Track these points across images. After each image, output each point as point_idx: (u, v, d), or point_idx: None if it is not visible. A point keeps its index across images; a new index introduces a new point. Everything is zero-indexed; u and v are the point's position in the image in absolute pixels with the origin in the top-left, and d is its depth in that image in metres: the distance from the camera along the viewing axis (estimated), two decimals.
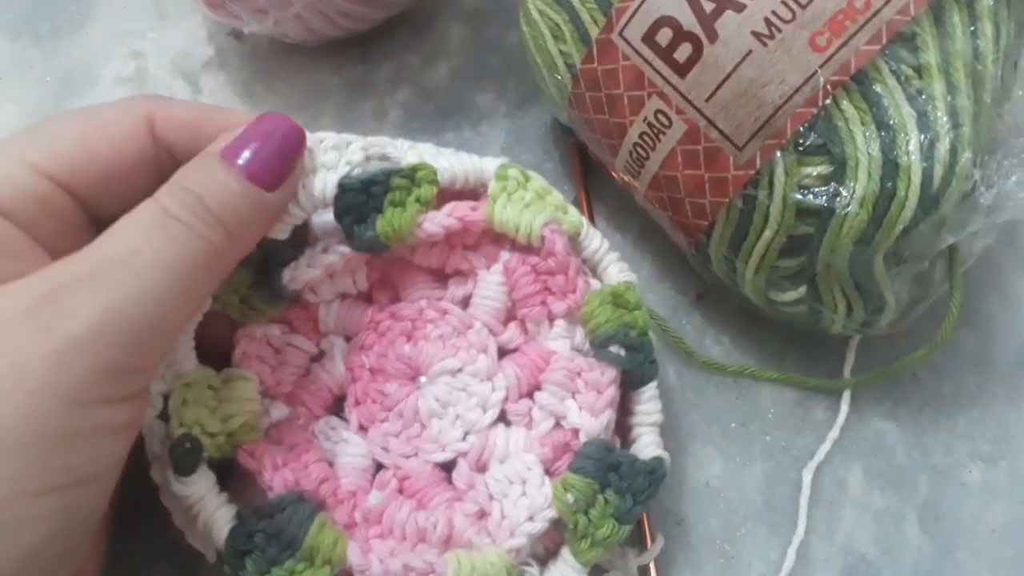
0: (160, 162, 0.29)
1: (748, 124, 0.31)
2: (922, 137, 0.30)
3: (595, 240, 0.34)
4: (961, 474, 0.37)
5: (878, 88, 0.30)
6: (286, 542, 0.29)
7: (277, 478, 0.31)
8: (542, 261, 0.33)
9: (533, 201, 0.33)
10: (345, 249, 0.33)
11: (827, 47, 0.30)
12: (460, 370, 0.35)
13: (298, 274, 0.33)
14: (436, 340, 0.35)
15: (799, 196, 0.31)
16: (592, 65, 0.34)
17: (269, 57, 0.46)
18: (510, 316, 0.35)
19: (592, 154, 0.40)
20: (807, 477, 0.37)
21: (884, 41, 0.29)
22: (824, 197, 0.31)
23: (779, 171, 0.31)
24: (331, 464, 0.33)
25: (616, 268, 0.34)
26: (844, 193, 0.30)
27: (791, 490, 0.37)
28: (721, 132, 0.31)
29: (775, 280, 0.34)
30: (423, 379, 0.35)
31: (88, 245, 0.26)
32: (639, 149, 0.34)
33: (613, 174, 0.38)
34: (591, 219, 0.41)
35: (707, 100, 0.31)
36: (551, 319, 0.34)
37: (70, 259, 0.25)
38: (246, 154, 0.28)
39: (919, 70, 0.30)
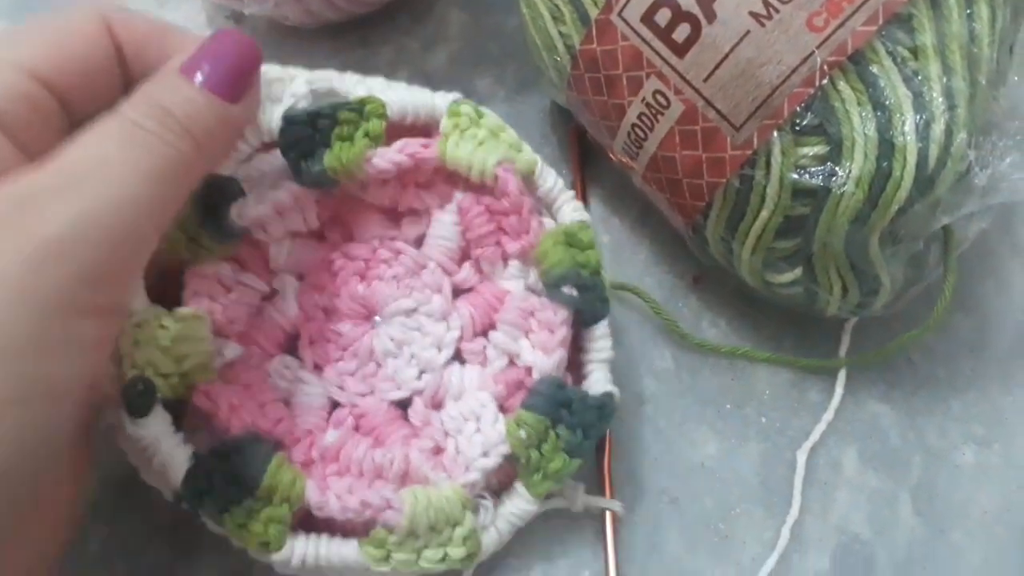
0: (122, 63, 0.30)
1: (746, 104, 0.31)
2: (918, 118, 0.30)
3: (549, 179, 0.34)
4: (955, 456, 0.38)
5: (875, 69, 0.30)
6: (244, 482, 0.29)
7: (234, 419, 0.31)
8: (496, 201, 0.34)
9: (486, 139, 0.33)
10: (294, 185, 0.33)
11: (824, 27, 0.30)
12: (414, 310, 0.35)
13: (246, 210, 0.32)
14: (390, 280, 0.35)
15: (796, 176, 0.31)
16: (591, 46, 0.34)
17: (268, 40, 0.46)
18: (464, 256, 0.36)
19: (591, 137, 0.40)
20: (801, 458, 0.37)
21: (881, 22, 0.30)
22: (820, 177, 0.31)
23: (776, 151, 0.31)
24: (287, 403, 0.33)
25: (570, 207, 0.34)
26: (840, 173, 0.30)
27: (786, 471, 0.37)
28: (719, 112, 0.32)
29: (771, 261, 0.34)
30: (377, 319, 0.35)
31: (53, 154, 0.26)
32: (637, 130, 0.34)
33: (611, 157, 0.38)
34: (585, 202, 0.41)
35: (705, 80, 0.32)
36: (505, 259, 0.35)
37: (37, 166, 0.25)
38: (205, 68, 0.28)
39: (915, 51, 0.30)
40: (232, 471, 0.29)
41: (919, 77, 0.30)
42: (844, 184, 0.30)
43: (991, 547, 0.36)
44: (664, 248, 0.41)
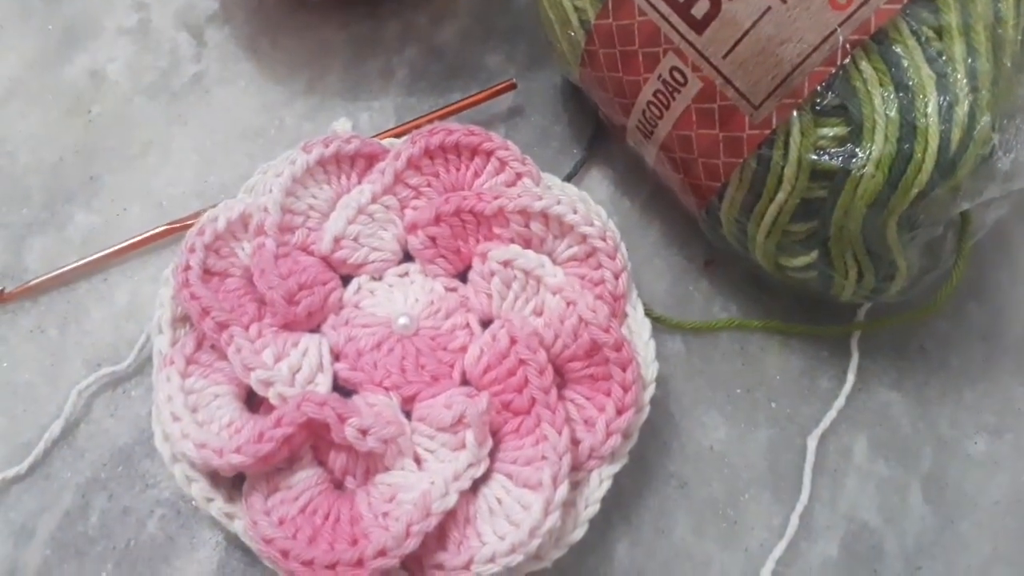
0: None
1: (765, 82, 0.30)
2: (941, 99, 0.29)
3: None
4: (966, 446, 0.37)
5: (898, 49, 0.29)
6: None
7: None
8: None
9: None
10: None
11: (847, 5, 0.29)
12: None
13: None
14: None
15: (814, 157, 0.30)
16: (607, 21, 0.34)
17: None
18: None
19: (603, 116, 0.39)
20: (812, 444, 0.36)
21: (905, 0, 0.29)
22: (840, 158, 0.30)
23: (795, 131, 0.30)
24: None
25: None
26: (860, 155, 0.30)
27: (795, 457, 0.37)
28: (737, 90, 0.31)
29: (786, 244, 0.33)
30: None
31: None
32: (653, 108, 0.34)
33: (624, 136, 0.37)
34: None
35: (724, 57, 0.31)
36: None
37: None
38: None
39: (940, 31, 0.30)
40: None
41: (943, 58, 0.29)
42: (864, 166, 0.30)
43: (1001, 537, 0.36)
44: (676, 231, 0.40)
